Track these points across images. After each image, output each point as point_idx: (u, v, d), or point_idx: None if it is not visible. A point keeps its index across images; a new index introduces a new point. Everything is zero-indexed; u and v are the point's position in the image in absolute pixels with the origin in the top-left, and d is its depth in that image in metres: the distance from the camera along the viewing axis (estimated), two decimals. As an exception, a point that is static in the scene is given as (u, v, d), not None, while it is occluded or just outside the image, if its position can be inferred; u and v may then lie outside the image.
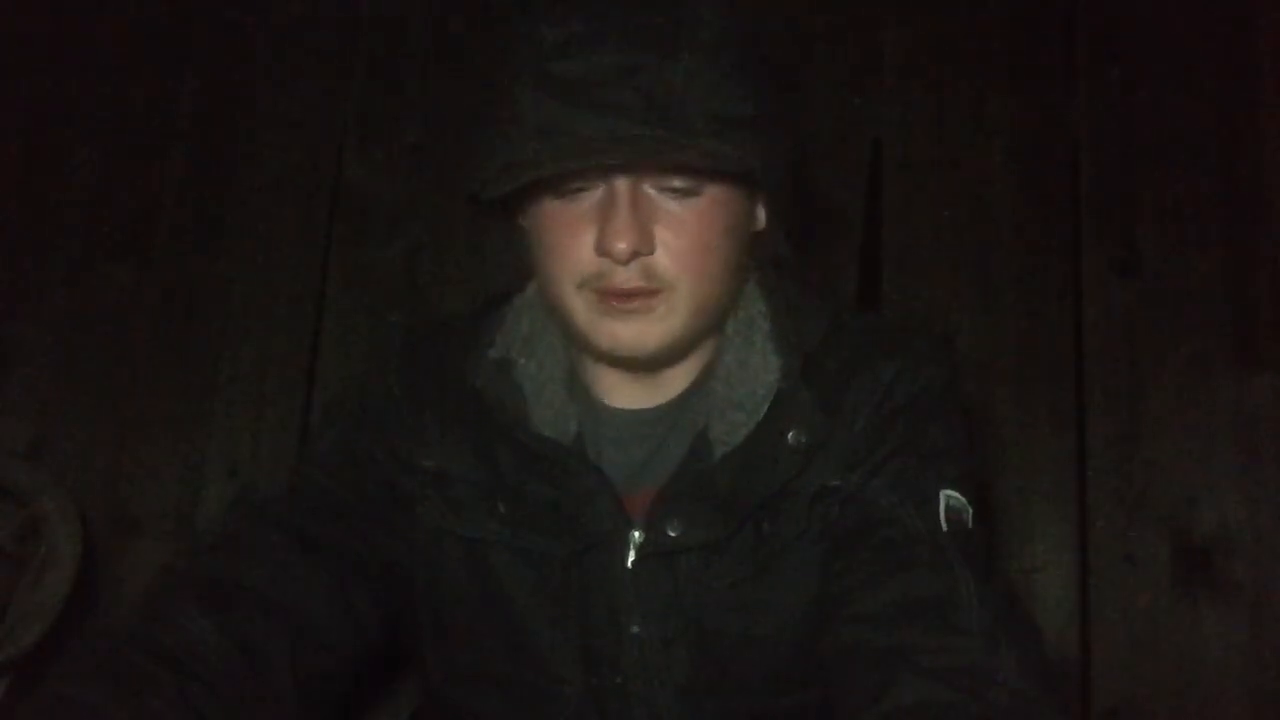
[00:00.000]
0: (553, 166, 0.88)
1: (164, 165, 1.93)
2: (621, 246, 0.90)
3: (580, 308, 0.95)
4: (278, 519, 1.05)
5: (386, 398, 1.10)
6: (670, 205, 0.93)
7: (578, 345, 1.02)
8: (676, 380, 1.04)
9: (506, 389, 1.04)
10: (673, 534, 0.98)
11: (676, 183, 0.92)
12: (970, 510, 0.98)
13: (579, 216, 0.93)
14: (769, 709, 1.03)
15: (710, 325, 1.01)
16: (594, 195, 0.93)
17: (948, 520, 0.95)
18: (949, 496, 0.97)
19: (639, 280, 0.92)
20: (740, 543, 0.99)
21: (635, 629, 1.01)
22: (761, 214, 1.02)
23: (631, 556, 1.00)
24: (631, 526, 1.00)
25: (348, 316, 1.86)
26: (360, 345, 1.85)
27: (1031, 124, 1.82)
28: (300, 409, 1.84)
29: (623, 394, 1.05)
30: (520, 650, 1.04)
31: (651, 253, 0.92)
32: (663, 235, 0.92)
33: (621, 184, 0.91)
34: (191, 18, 1.98)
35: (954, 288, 1.79)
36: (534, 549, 1.02)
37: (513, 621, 1.04)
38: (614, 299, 0.93)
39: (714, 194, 0.93)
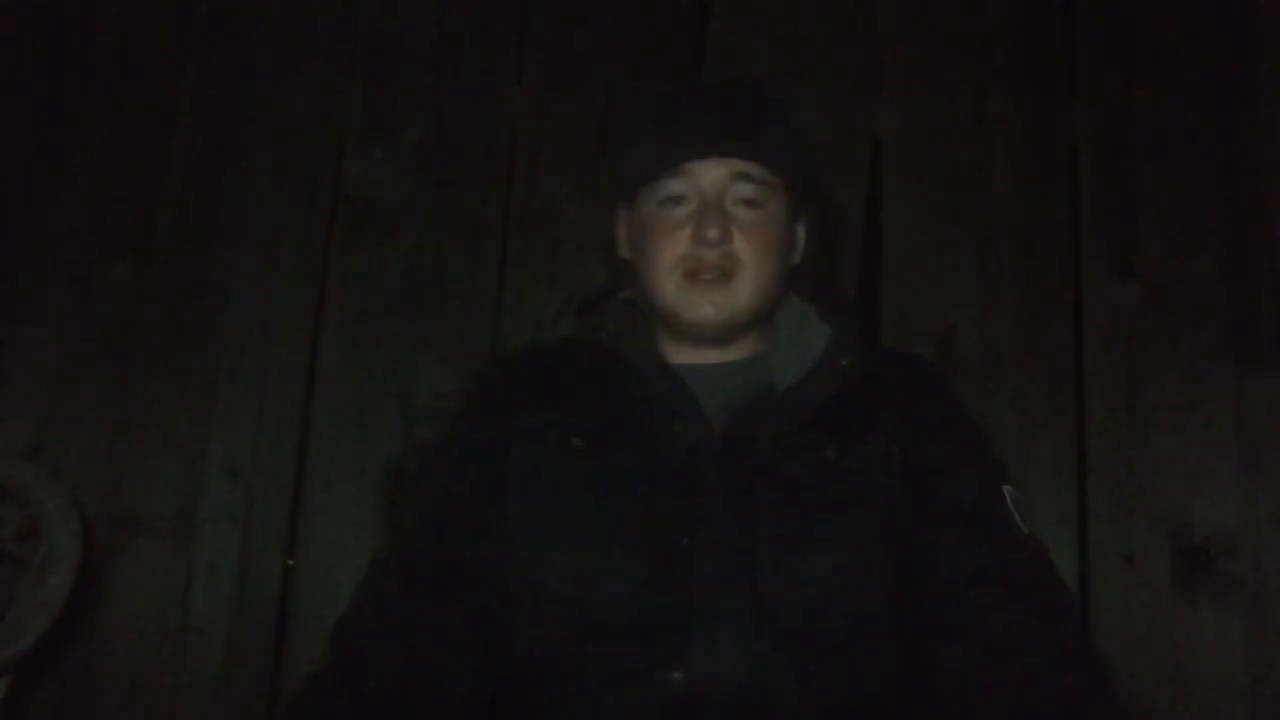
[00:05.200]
0: (676, 158, 1.24)
1: (164, 165, 1.93)
2: (713, 235, 1.22)
3: (672, 286, 1.25)
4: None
5: (485, 393, 1.32)
6: (743, 213, 1.24)
7: (666, 318, 1.29)
8: (735, 351, 1.30)
9: (634, 321, 1.32)
10: (744, 432, 1.21)
11: (748, 195, 1.24)
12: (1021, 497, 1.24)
13: (678, 220, 1.25)
14: (822, 625, 1.16)
15: (765, 307, 1.28)
16: (689, 206, 1.25)
17: (1015, 507, 1.20)
18: (1009, 488, 1.22)
19: (721, 261, 1.23)
20: (807, 457, 1.21)
21: (707, 526, 1.17)
22: (800, 234, 1.32)
23: (709, 456, 1.20)
24: (713, 434, 1.22)
25: (348, 316, 1.86)
26: (360, 345, 1.85)
27: (1031, 124, 1.83)
28: (300, 409, 1.84)
29: (694, 355, 1.30)
30: (598, 572, 1.18)
31: (731, 243, 1.23)
32: (738, 233, 1.24)
33: (711, 194, 1.24)
34: (191, 18, 1.99)
35: (954, 288, 1.79)
36: (615, 468, 1.21)
37: (592, 546, 1.19)
38: (700, 274, 1.23)
39: (772, 209, 1.26)
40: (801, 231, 1.32)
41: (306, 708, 1.13)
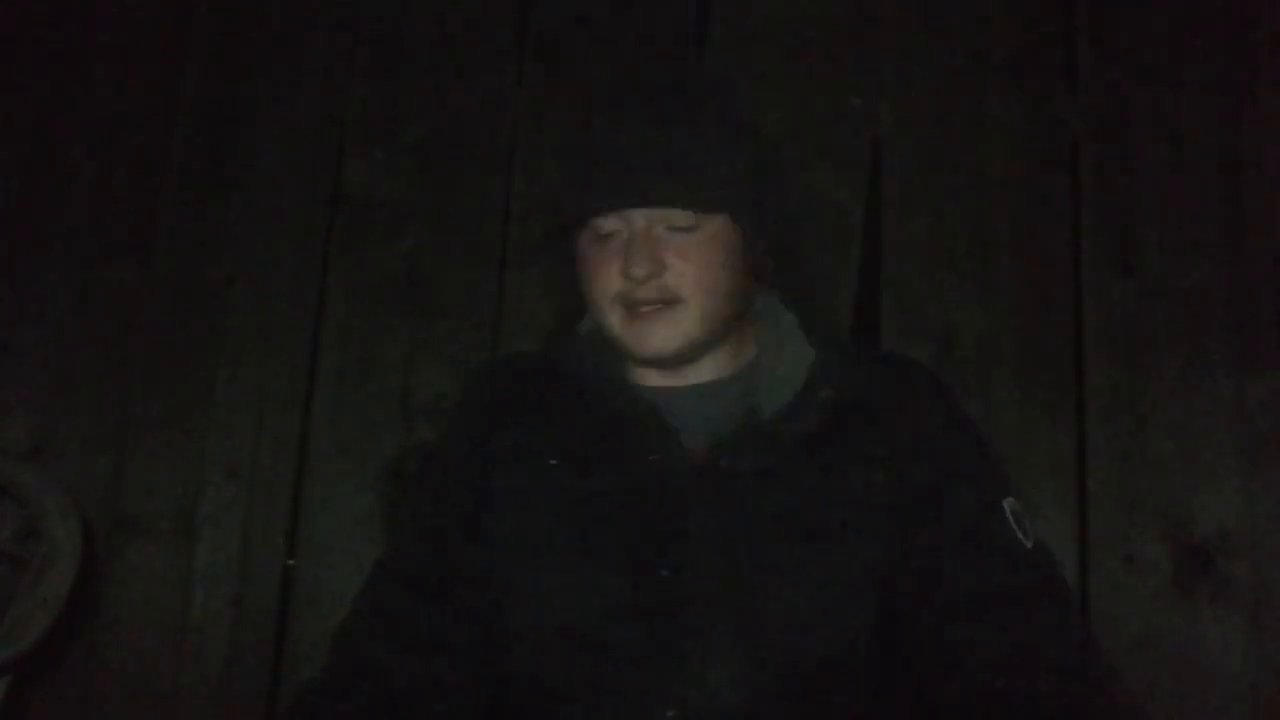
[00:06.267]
0: (589, 208, 1.21)
1: (164, 165, 1.93)
2: (639, 271, 1.18)
3: (616, 319, 1.22)
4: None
5: (471, 408, 1.32)
6: (676, 239, 1.20)
7: (617, 349, 1.26)
8: (709, 370, 1.27)
9: (598, 353, 1.29)
10: (724, 464, 1.18)
11: (679, 222, 1.19)
12: (1022, 505, 1.21)
13: (612, 252, 1.21)
14: (810, 656, 1.15)
15: (722, 328, 1.24)
16: (621, 237, 1.21)
17: (1016, 521, 1.18)
18: (1010, 500, 1.19)
19: (656, 294, 1.19)
20: (789, 486, 1.18)
21: (690, 558, 1.15)
22: (754, 241, 1.25)
23: (689, 487, 1.18)
24: (689, 462, 1.20)
25: (348, 316, 1.86)
26: (360, 345, 1.85)
27: (1031, 124, 1.82)
28: (300, 409, 1.84)
29: (667, 378, 1.27)
30: (578, 599, 1.18)
31: (664, 273, 1.19)
32: (672, 261, 1.19)
33: (639, 225, 1.20)
34: (191, 18, 1.99)
35: (954, 288, 1.79)
36: (594, 493, 1.20)
37: (572, 572, 1.18)
38: (638, 308, 1.20)
39: (709, 230, 1.20)
40: (758, 237, 1.25)
41: (307, 711, 1.13)
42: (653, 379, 1.27)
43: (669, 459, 1.20)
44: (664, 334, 1.20)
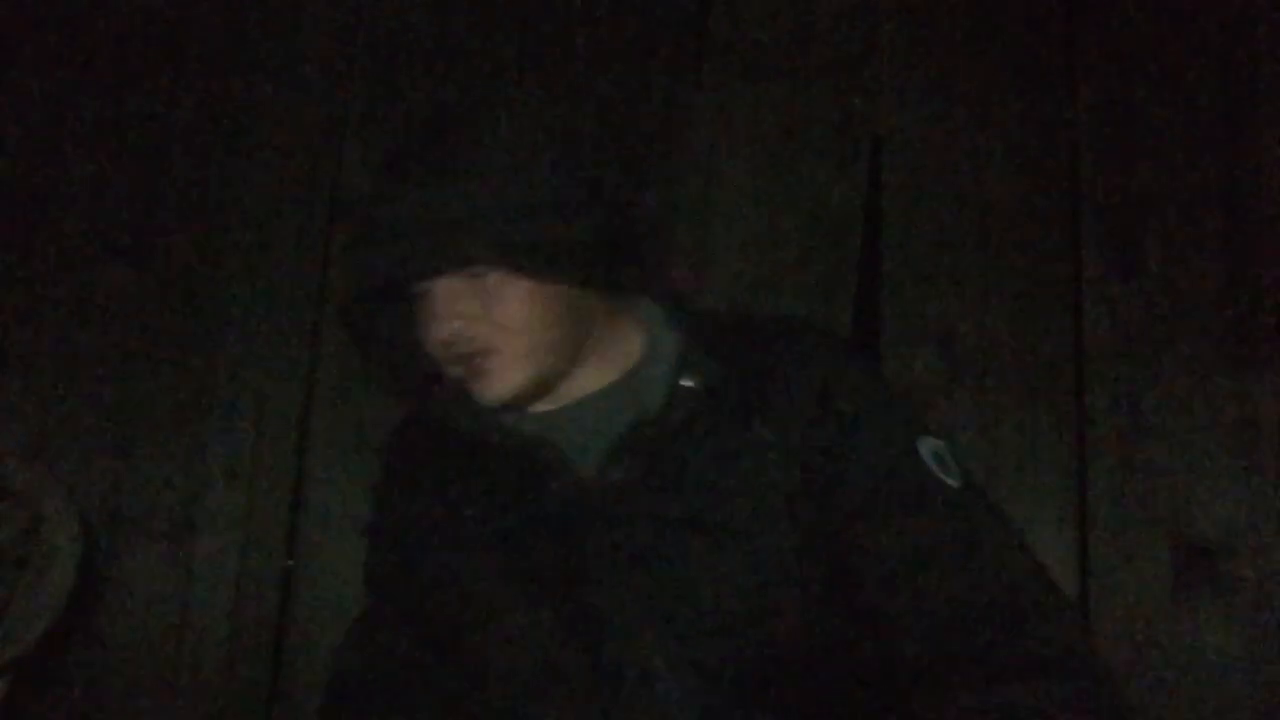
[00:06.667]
0: (361, 287, 1.18)
1: (164, 165, 1.93)
2: (438, 336, 1.16)
3: (453, 373, 1.19)
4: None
5: (390, 485, 1.33)
6: (477, 285, 1.14)
7: None
8: (578, 387, 1.23)
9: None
10: (616, 476, 1.16)
11: (468, 274, 1.14)
12: (945, 444, 1.17)
13: (428, 310, 1.17)
14: (749, 654, 1.12)
15: (564, 353, 1.19)
16: (431, 292, 1.16)
17: (937, 462, 1.14)
18: (926, 440, 1.15)
19: (470, 347, 1.16)
20: (683, 485, 1.15)
21: (606, 577, 1.14)
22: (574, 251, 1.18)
23: (589, 507, 1.17)
24: (583, 482, 1.18)
25: (348, 316, 1.86)
26: (360, 345, 1.85)
27: (1031, 124, 1.82)
28: (300, 409, 1.84)
29: (540, 405, 1.24)
30: (515, 641, 1.17)
31: (472, 326, 1.15)
32: (477, 310, 1.15)
33: (432, 287, 1.16)
34: (191, 17, 1.99)
35: (954, 288, 1.79)
36: (508, 534, 1.19)
37: (505, 614, 1.18)
38: (466, 362, 1.16)
39: (499, 275, 1.14)
40: (550, 270, 1.16)
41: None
42: (534, 406, 1.24)
43: (564, 483, 1.18)
44: (492, 383, 1.17)
